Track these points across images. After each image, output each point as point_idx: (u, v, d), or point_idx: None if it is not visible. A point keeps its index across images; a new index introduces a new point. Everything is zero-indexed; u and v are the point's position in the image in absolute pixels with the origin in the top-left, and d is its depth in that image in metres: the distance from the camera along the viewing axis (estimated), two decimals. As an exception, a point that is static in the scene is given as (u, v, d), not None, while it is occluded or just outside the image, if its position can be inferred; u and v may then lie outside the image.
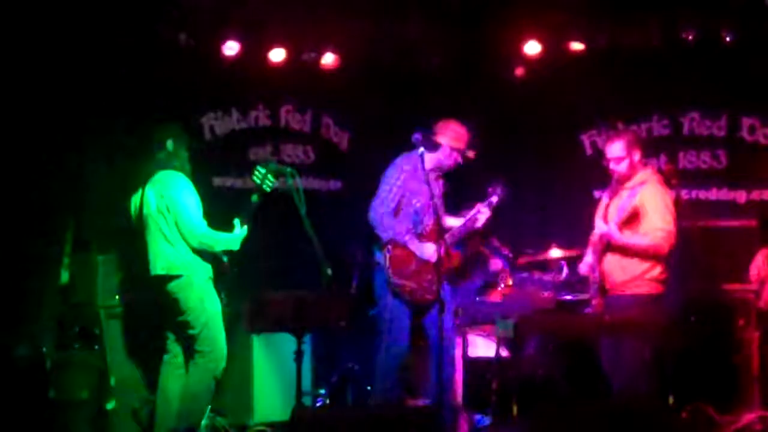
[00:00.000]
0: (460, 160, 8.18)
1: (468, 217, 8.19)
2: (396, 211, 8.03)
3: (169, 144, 7.55)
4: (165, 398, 7.43)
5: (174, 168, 7.49)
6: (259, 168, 7.51)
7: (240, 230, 7.45)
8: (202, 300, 7.38)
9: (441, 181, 8.26)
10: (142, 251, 7.46)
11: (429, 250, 7.94)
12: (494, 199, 8.19)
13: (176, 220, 7.33)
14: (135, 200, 7.53)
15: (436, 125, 8.17)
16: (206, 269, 7.42)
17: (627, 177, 7.80)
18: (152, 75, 9.16)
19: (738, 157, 9.64)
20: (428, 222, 8.07)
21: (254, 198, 7.50)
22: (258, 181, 7.47)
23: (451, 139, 8.12)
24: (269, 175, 7.48)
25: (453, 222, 8.26)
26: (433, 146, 8.05)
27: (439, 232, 7.70)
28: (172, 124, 7.76)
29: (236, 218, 7.47)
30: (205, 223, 7.38)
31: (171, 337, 7.52)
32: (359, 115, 10.26)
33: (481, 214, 8.15)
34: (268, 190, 7.48)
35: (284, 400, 8.45)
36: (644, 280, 7.68)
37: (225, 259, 7.48)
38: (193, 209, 7.37)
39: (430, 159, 8.05)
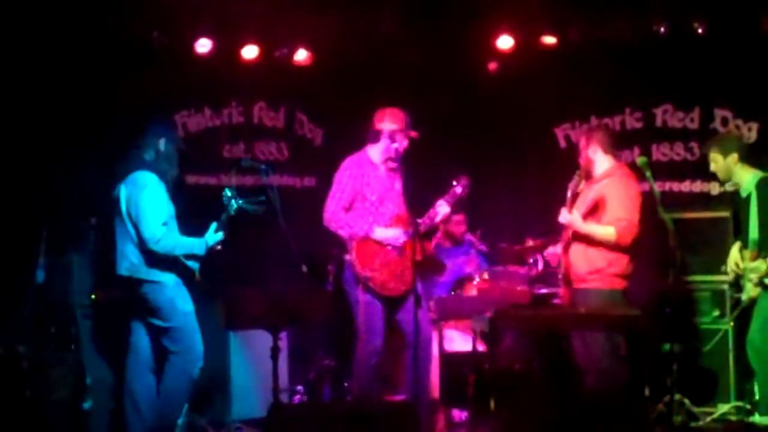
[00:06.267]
0: (404, 142, 8.04)
1: (428, 213, 8.14)
2: (349, 209, 7.97)
3: (162, 143, 7.52)
4: (131, 396, 7.42)
5: (160, 169, 7.44)
6: (226, 190, 7.49)
7: (212, 234, 7.44)
8: (173, 300, 7.34)
9: (397, 174, 8.11)
10: (112, 249, 7.47)
11: (394, 234, 7.90)
12: (458, 190, 8.09)
13: (136, 224, 7.32)
14: (113, 197, 7.50)
15: (373, 116, 8.13)
16: (172, 274, 7.40)
17: (585, 169, 7.83)
18: (125, 73, 9.13)
19: (711, 148, 9.65)
20: (388, 212, 7.99)
21: (223, 217, 7.48)
22: (225, 202, 7.45)
23: (387, 123, 8.01)
24: (234, 199, 7.45)
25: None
26: (375, 136, 8.04)
27: (405, 219, 7.71)
28: (166, 122, 7.72)
29: (214, 222, 7.47)
30: (164, 229, 7.31)
31: (137, 333, 7.48)
32: (333, 111, 10.25)
33: (441, 207, 8.04)
34: (232, 212, 7.45)
35: (261, 396, 8.43)
36: (607, 275, 7.64)
37: (195, 268, 7.46)
38: (151, 215, 7.29)
39: (377, 151, 8.02)
